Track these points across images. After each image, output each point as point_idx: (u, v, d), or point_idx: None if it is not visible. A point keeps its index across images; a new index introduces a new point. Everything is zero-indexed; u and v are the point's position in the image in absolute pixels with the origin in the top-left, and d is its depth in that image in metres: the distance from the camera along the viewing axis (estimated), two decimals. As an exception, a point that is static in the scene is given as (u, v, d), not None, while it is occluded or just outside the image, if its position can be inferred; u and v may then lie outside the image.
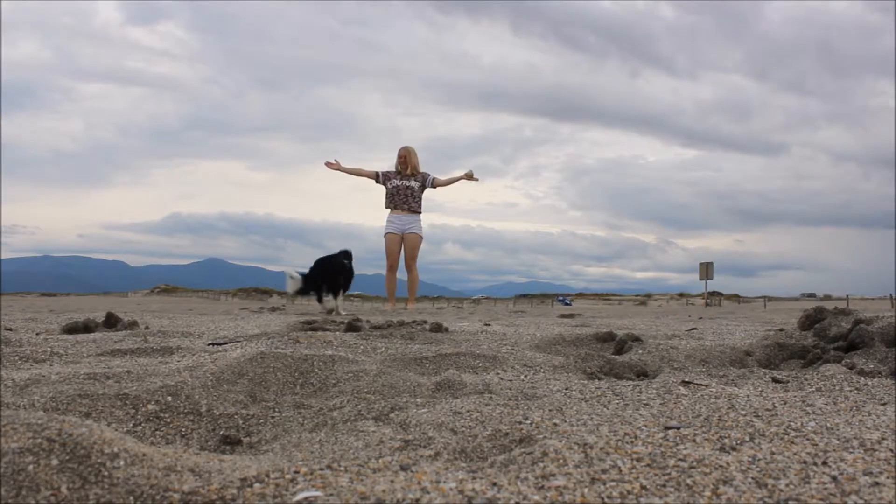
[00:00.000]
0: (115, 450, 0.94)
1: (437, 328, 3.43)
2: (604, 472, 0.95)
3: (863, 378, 1.81)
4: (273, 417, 1.49)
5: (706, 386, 1.64)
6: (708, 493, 0.89)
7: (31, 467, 0.87)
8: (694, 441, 1.10)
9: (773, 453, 1.04)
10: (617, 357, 2.32)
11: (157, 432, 1.38)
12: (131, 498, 0.87)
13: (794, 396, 1.54)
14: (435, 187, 9.67)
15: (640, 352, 2.38)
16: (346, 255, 8.02)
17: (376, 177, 9.60)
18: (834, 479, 0.94)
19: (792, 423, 1.22)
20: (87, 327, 3.43)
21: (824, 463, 1.00)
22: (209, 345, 2.69)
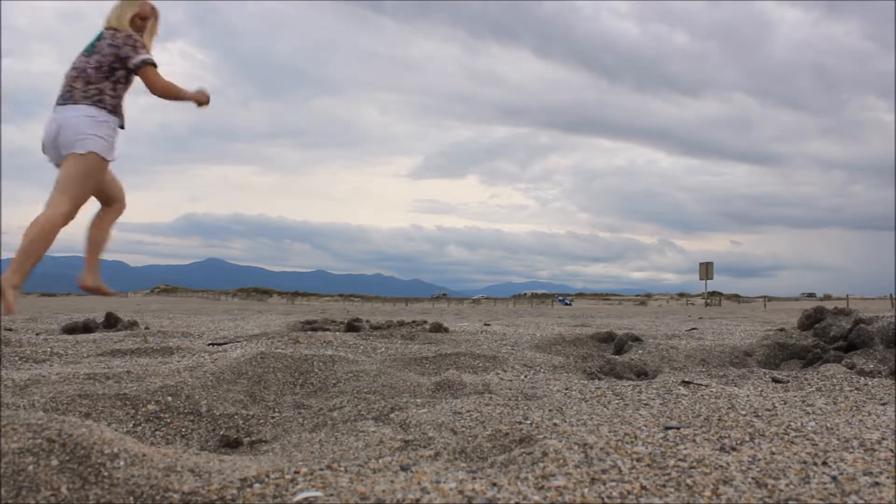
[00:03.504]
0: (115, 450, 0.94)
1: (437, 328, 3.43)
2: (604, 472, 0.95)
3: (863, 378, 1.81)
4: (273, 417, 1.49)
5: (706, 386, 1.64)
6: (708, 493, 0.89)
7: (31, 467, 0.87)
8: (694, 441, 1.10)
9: (773, 453, 1.04)
10: (617, 357, 2.32)
11: (157, 432, 1.38)
12: (131, 498, 0.87)
13: (794, 396, 1.54)
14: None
15: (640, 352, 2.38)
16: None
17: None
18: (834, 479, 0.94)
19: (792, 423, 1.22)
20: (87, 327, 3.43)
21: (824, 463, 1.00)
22: (209, 345, 2.69)
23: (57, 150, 3.22)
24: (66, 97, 3.24)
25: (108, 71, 3.30)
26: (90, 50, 3.42)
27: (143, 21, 3.52)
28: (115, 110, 3.26)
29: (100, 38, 3.43)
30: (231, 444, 1.33)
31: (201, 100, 3.49)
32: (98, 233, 3.48)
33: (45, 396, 1.46)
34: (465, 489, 0.87)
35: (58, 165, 3.22)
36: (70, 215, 3.17)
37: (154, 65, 3.29)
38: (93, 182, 3.22)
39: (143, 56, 3.31)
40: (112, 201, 3.44)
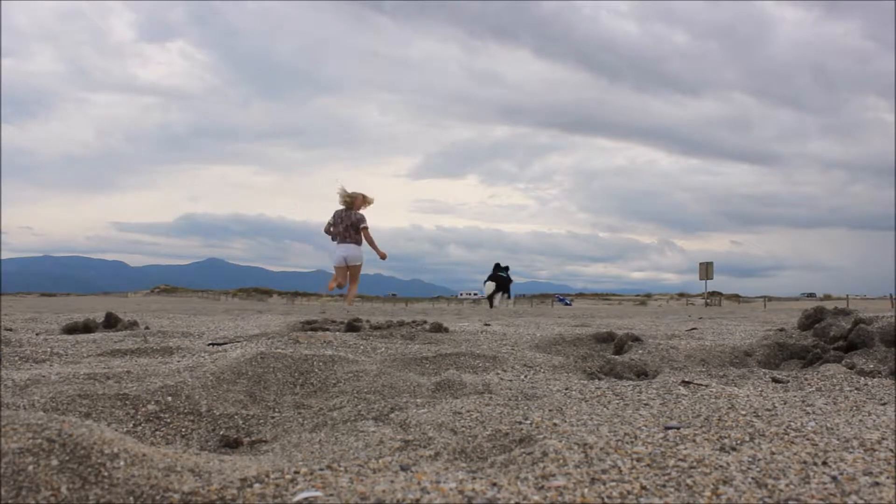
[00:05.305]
0: (115, 450, 0.94)
1: (437, 328, 3.43)
2: (604, 472, 0.95)
3: (863, 378, 1.81)
4: (273, 417, 1.49)
5: (706, 386, 1.64)
6: (708, 493, 0.89)
7: (31, 467, 0.87)
8: (694, 441, 1.10)
9: (773, 453, 1.04)
10: (617, 357, 2.32)
11: (157, 432, 1.38)
12: (131, 498, 0.87)
13: (794, 396, 1.54)
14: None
15: (640, 352, 2.38)
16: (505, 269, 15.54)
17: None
18: (834, 479, 0.94)
19: (792, 423, 1.22)
20: (87, 327, 3.43)
21: (824, 463, 1.00)
22: (209, 345, 2.69)
23: (346, 262, 9.17)
24: (347, 239, 9.18)
25: (356, 228, 9.19)
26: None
27: (364, 203, 9.36)
28: (360, 244, 9.25)
29: (348, 209, 9.29)
30: (231, 444, 1.33)
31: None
32: (349, 293, 9.54)
33: (45, 396, 1.46)
34: (465, 489, 0.87)
35: (340, 268, 9.27)
36: (356, 290, 9.78)
37: (367, 227, 9.31)
38: (358, 274, 9.43)
39: (366, 224, 9.23)
40: (351, 279, 9.39)
